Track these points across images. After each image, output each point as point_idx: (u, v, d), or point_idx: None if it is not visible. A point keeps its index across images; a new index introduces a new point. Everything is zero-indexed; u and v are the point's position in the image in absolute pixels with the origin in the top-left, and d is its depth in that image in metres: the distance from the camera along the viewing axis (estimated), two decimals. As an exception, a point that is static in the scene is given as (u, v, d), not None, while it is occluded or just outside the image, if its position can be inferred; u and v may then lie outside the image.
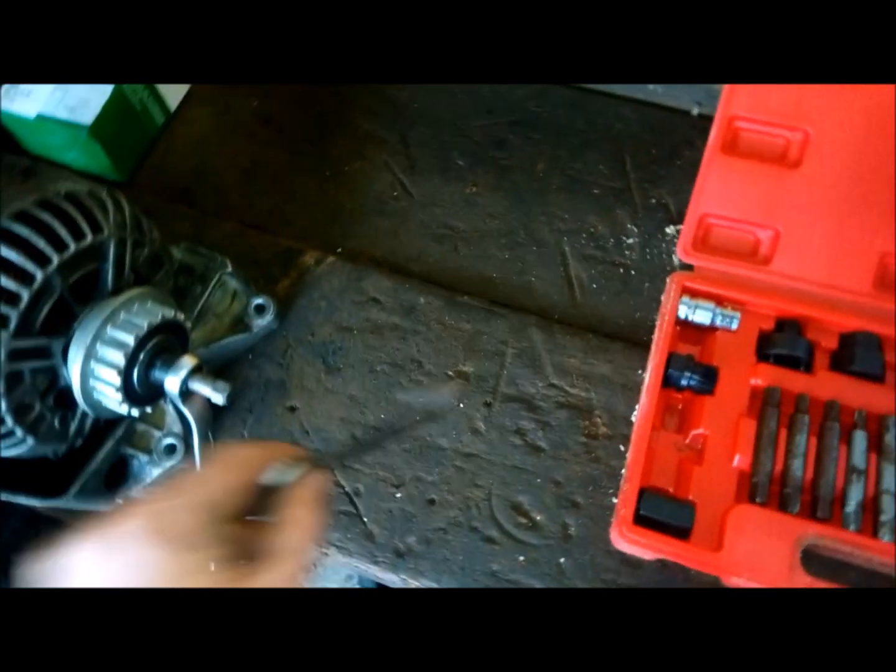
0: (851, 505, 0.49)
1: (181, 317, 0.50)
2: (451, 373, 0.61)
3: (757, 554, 0.47)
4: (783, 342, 0.55)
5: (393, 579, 0.54)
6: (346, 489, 0.57)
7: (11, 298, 0.43)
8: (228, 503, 0.33)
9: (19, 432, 0.46)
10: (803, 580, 0.46)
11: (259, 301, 0.61)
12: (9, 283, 0.42)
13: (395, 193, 0.71)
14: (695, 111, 0.71)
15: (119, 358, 0.46)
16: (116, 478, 0.55)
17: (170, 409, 0.56)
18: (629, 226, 0.67)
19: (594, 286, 0.64)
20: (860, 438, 0.51)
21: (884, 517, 0.48)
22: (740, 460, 0.51)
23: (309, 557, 0.36)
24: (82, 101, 0.69)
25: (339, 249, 0.68)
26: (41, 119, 0.69)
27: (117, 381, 0.46)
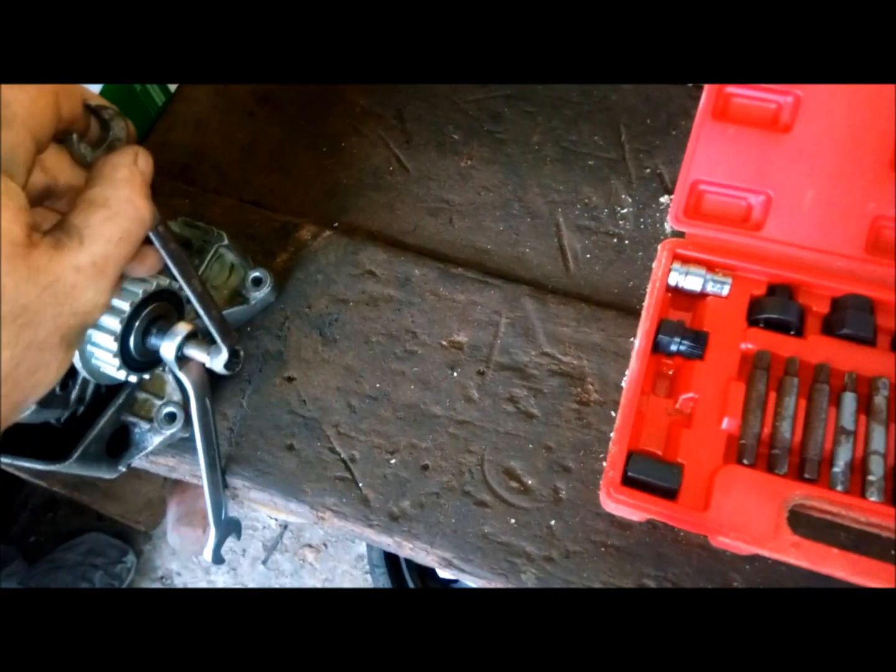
0: (839, 465, 0.49)
1: (176, 285, 0.51)
2: (444, 343, 0.61)
3: (743, 514, 0.48)
4: (774, 306, 0.55)
5: (387, 541, 0.55)
6: (342, 456, 0.58)
7: (10, 266, 0.44)
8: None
9: (21, 397, 0.47)
10: (789, 539, 0.47)
11: (256, 274, 0.62)
12: (7, 251, 0.44)
13: (391, 168, 0.71)
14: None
15: (115, 324, 0.47)
16: (118, 445, 0.56)
17: (169, 378, 0.57)
18: (623, 196, 0.67)
19: (588, 256, 0.65)
20: (850, 400, 0.51)
21: (871, 477, 0.48)
22: (729, 423, 0.51)
23: (125, 248, 0.33)
24: (83, 82, 0.70)
25: (336, 224, 0.69)
26: (43, 100, 0.70)
27: (114, 346, 0.47)
